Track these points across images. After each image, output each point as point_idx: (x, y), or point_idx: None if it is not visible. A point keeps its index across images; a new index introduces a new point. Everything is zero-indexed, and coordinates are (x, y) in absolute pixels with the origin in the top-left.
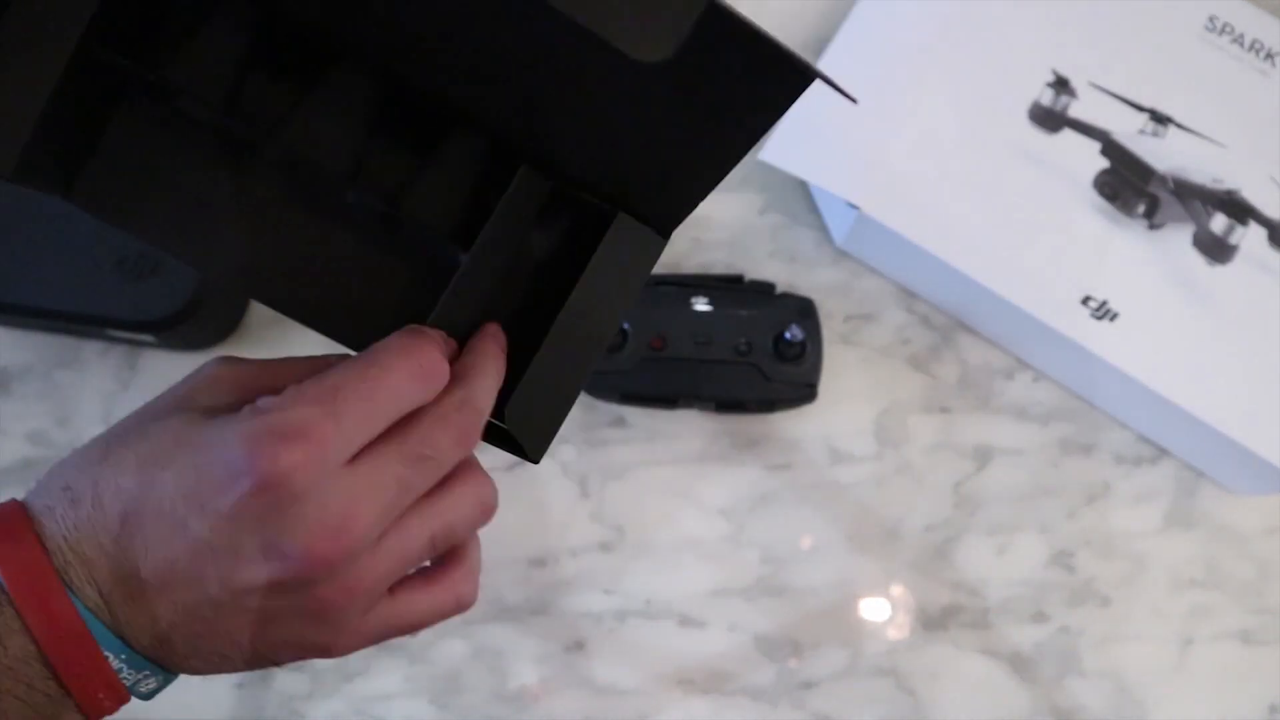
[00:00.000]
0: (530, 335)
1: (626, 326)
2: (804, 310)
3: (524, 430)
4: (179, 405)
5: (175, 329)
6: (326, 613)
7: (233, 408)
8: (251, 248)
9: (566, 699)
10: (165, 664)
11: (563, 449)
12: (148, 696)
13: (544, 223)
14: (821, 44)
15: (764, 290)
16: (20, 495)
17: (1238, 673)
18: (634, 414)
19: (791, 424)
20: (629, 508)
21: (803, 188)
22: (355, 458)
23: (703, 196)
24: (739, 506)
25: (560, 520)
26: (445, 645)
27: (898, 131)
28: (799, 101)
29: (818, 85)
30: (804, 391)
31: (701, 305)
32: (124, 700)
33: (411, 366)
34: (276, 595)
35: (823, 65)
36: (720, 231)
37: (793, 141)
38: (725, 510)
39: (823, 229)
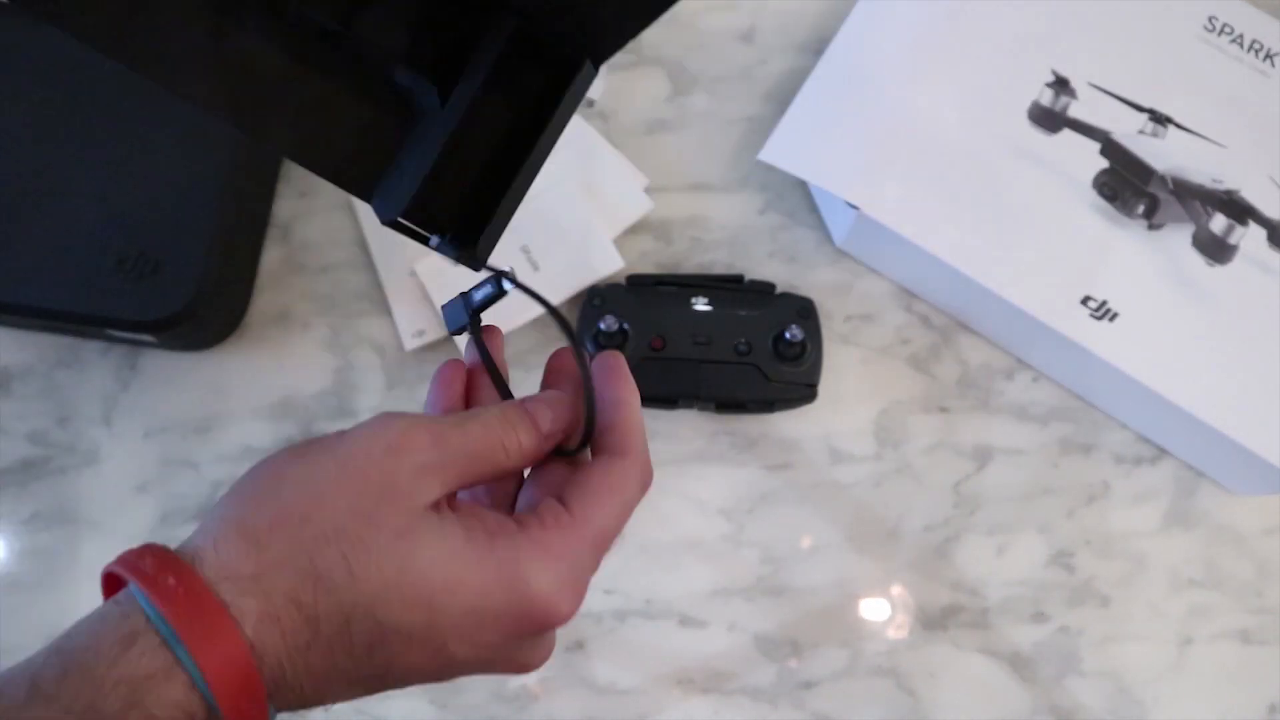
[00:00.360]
0: (493, 173)
1: (626, 326)
2: (804, 310)
3: (484, 253)
4: (398, 500)
5: (175, 329)
6: (550, 647)
7: (447, 499)
8: (213, 70)
9: (566, 699)
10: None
11: None
12: None
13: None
14: (821, 44)
15: (764, 290)
16: (21, 499)
17: (1237, 672)
18: None
19: (791, 424)
20: None
21: (803, 188)
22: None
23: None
24: (739, 506)
25: None
26: None
27: (898, 131)
28: (799, 102)
29: (819, 85)
30: (804, 391)
31: (701, 305)
32: None
33: (646, 489)
34: (522, 650)
35: (823, 65)
36: (720, 231)
37: (793, 141)
38: (725, 510)
39: (823, 229)
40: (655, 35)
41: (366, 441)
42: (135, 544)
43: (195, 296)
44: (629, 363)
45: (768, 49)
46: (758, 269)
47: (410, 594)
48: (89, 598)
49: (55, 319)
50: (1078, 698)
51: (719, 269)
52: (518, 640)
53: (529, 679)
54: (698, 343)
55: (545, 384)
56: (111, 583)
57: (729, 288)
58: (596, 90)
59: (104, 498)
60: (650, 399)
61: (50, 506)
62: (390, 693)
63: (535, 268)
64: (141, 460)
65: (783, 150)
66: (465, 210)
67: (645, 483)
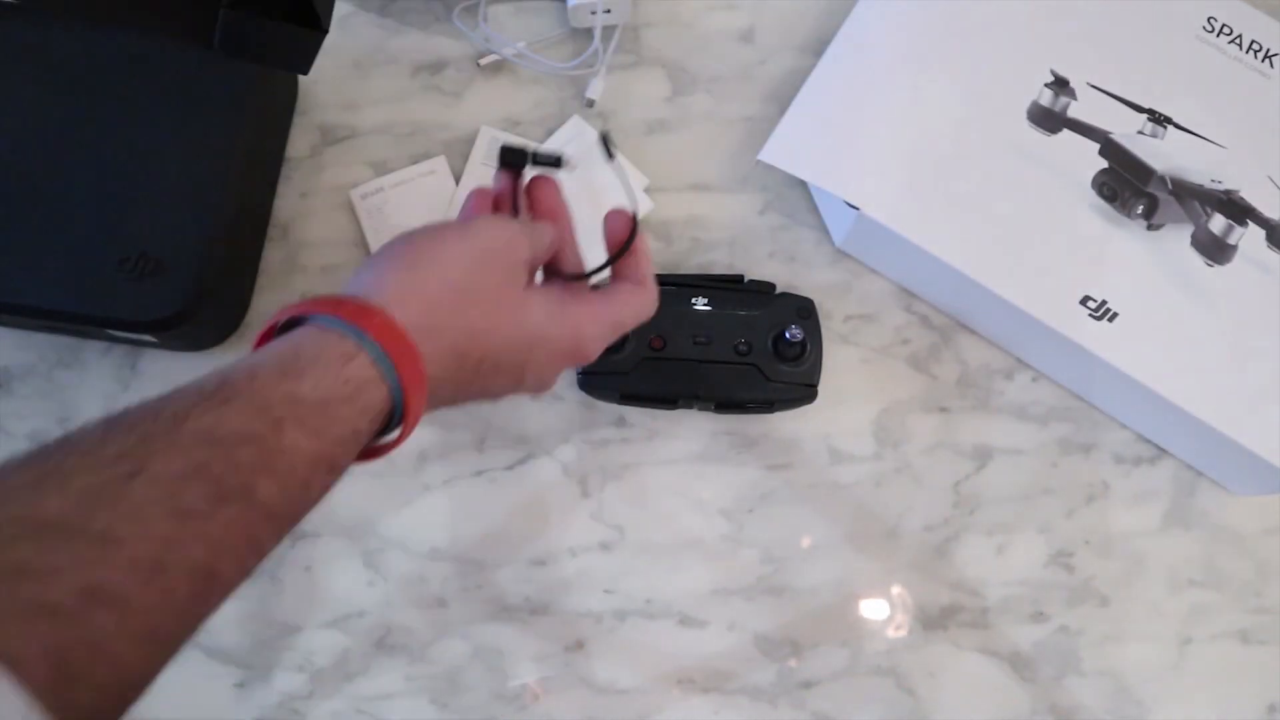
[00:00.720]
0: None
1: None
2: (804, 310)
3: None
4: (519, 278)
5: (176, 329)
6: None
7: (531, 277)
8: None
9: (566, 699)
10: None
11: (563, 449)
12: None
13: None
14: (821, 44)
15: (764, 290)
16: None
17: (1236, 672)
18: (634, 414)
19: (791, 424)
20: (629, 508)
21: (803, 188)
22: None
23: None
24: (739, 506)
25: (560, 520)
26: (445, 645)
27: (898, 132)
28: (799, 102)
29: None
30: (804, 392)
31: (701, 305)
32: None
33: (646, 313)
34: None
35: (823, 65)
36: (720, 231)
37: (793, 142)
38: (725, 510)
39: (823, 229)
40: (655, 35)
41: (493, 235)
42: None
43: (196, 297)
44: (630, 363)
45: (768, 49)
46: (758, 269)
47: (522, 342)
48: None
49: (56, 319)
50: (1077, 697)
51: (719, 269)
52: (559, 369)
53: (529, 679)
54: (698, 342)
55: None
56: (279, 329)
57: (729, 288)
58: (596, 90)
59: None
60: (650, 399)
61: None
62: (392, 693)
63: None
64: None
65: (783, 150)
66: None
67: (651, 306)
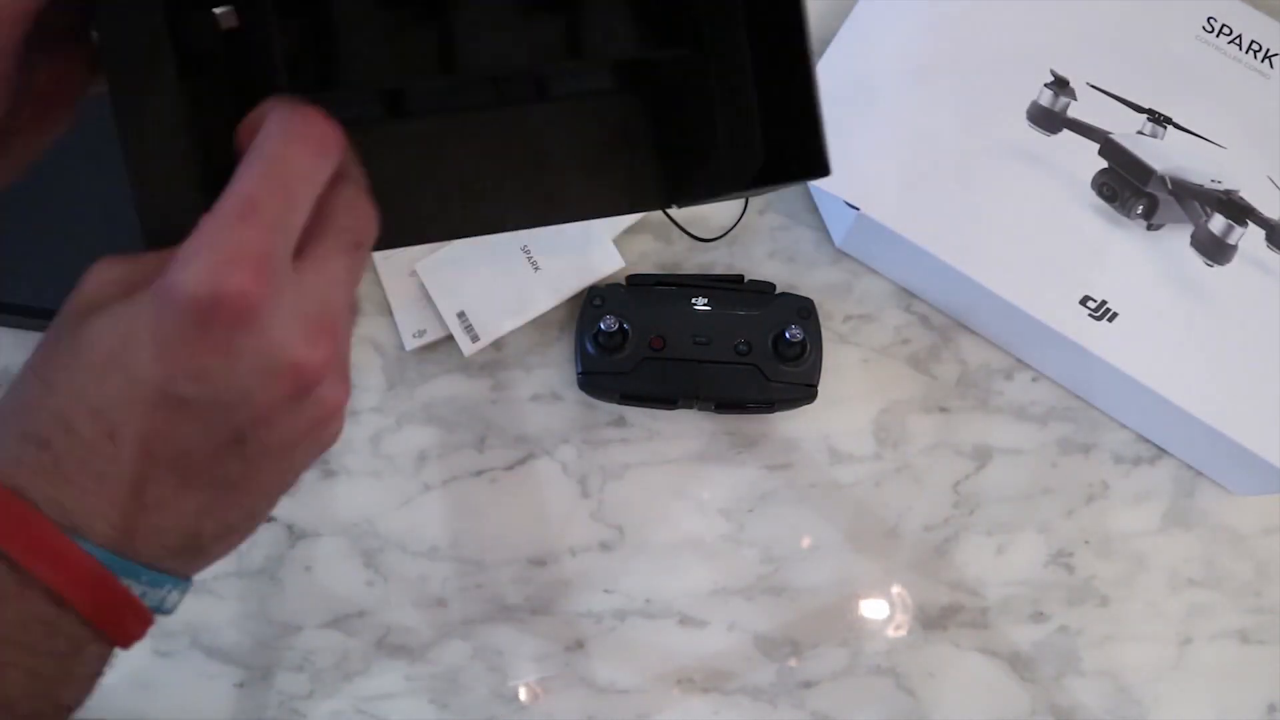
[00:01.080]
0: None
1: (626, 326)
2: (804, 310)
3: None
4: (84, 311)
5: None
6: (334, 409)
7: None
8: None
9: (566, 699)
10: (186, 567)
11: (563, 449)
12: (171, 610)
13: None
14: (821, 44)
15: (764, 290)
16: None
17: (1236, 672)
18: (634, 414)
19: (791, 424)
20: (629, 508)
21: (803, 188)
22: (299, 256)
23: None
24: (739, 506)
25: (560, 520)
26: (445, 645)
27: (898, 132)
28: None
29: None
30: (804, 392)
31: (701, 305)
32: (151, 623)
33: (310, 145)
34: (295, 414)
35: (823, 65)
36: (720, 232)
37: None
38: (725, 510)
39: (823, 229)
40: None
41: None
42: None
43: None
44: (630, 363)
45: None
46: (758, 269)
47: (103, 365)
48: None
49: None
50: (1077, 697)
51: (719, 269)
52: (241, 351)
53: (529, 679)
54: (698, 343)
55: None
56: None
57: (729, 288)
58: None
59: None
60: (650, 399)
61: None
62: (392, 693)
63: (535, 268)
64: None
65: None
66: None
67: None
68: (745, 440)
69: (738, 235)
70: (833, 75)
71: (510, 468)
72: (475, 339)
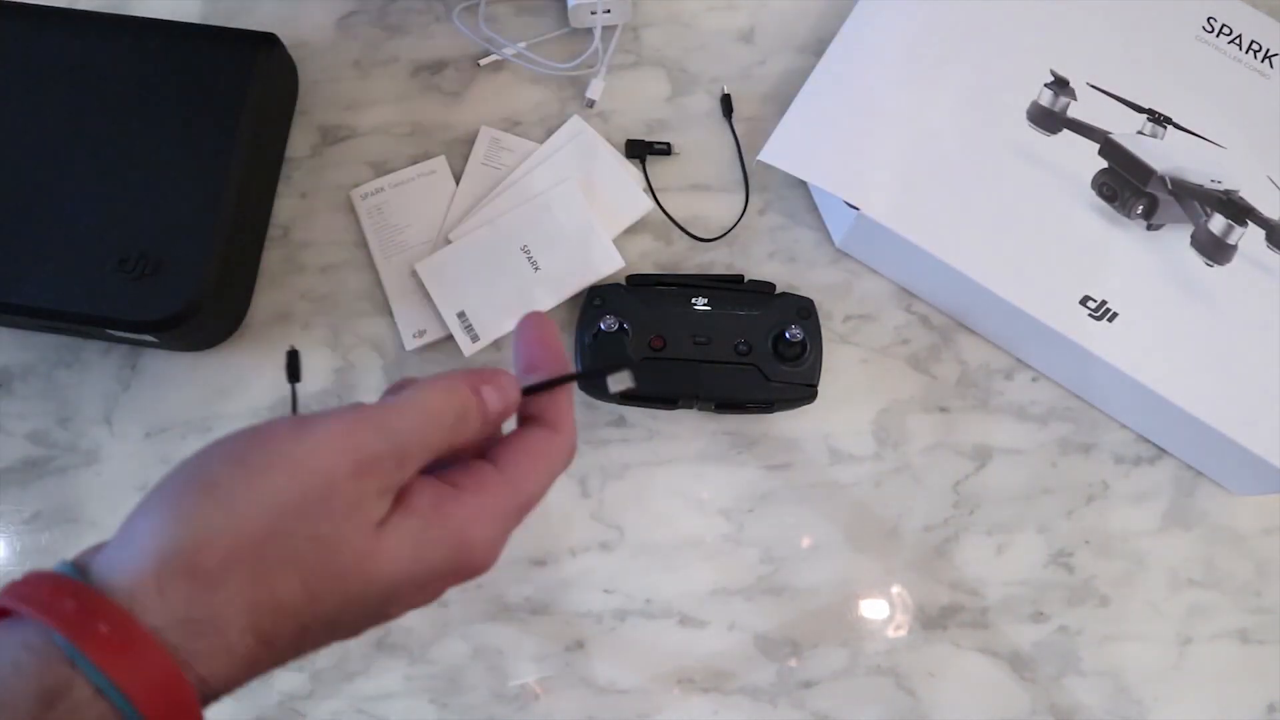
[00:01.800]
0: None
1: (626, 326)
2: (804, 310)
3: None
4: (362, 521)
5: (177, 329)
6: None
7: (394, 497)
8: None
9: (566, 699)
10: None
11: None
12: None
13: None
14: (821, 44)
15: (764, 290)
16: (21, 499)
17: (1236, 672)
18: (634, 414)
19: (791, 424)
20: (629, 508)
21: (803, 188)
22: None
23: None
24: (739, 506)
25: (560, 520)
26: (445, 645)
27: (898, 132)
28: (799, 102)
29: (819, 85)
30: (804, 391)
31: (701, 305)
32: None
33: (561, 468)
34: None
35: (823, 65)
36: (720, 232)
37: (792, 142)
38: (725, 510)
39: (823, 229)
40: (655, 35)
41: (329, 457)
42: None
43: (197, 296)
44: (629, 362)
45: (768, 49)
46: (758, 269)
47: (371, 597)
48: None
49: (57, 319)
50: (1077, 697)
51: (719, 269)
52: (440, 592)
53: (530, 678)
54: (698, 342)
55: (519, 353)
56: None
57: (729, 288)
58: (596, 90)
59: (105, 498)
60: (650, 399)
61: (51, 506)
62: (392, 693)
63: (535, 267)
64: (142, 460)
65: (782, 150)
66: None
67: (570, 457)
68: (745, 440)
69: (737, 235)
70: (833, 75)
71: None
72: (475, 339)
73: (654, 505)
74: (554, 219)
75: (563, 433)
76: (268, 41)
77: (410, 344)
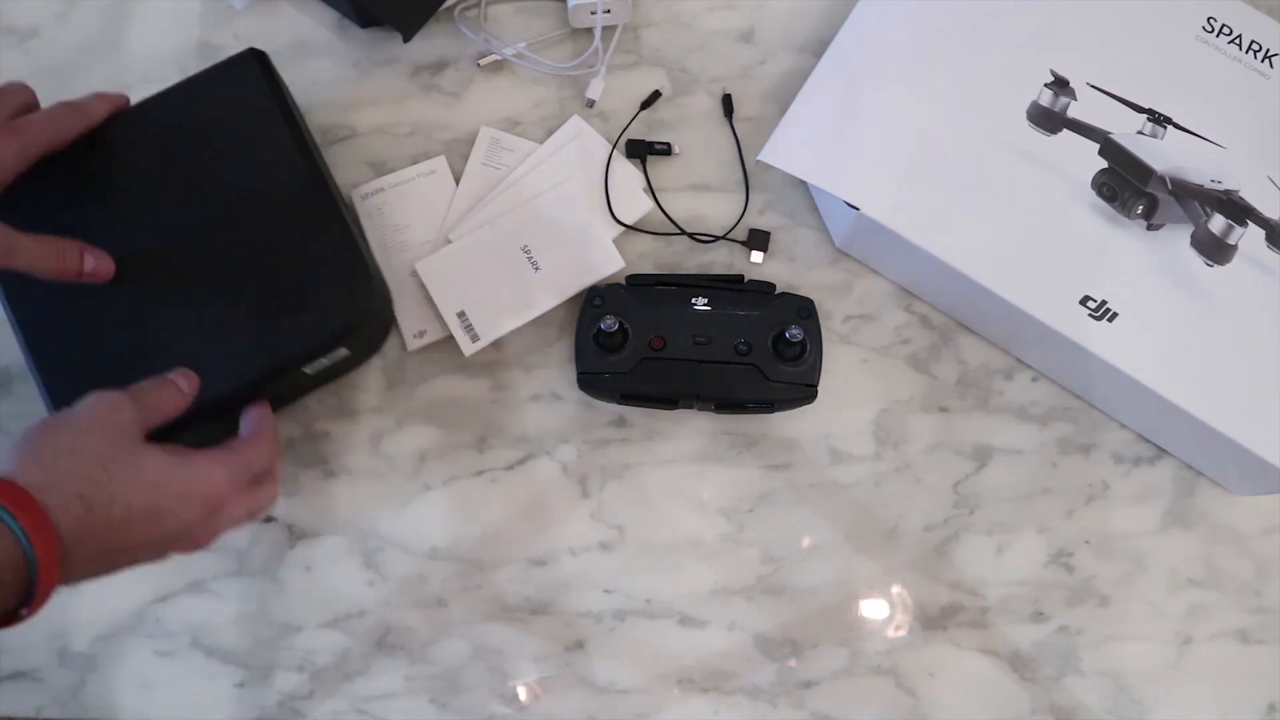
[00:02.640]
0: None
1: (626, 326)
2: (804, 310)
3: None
4: (128, 436)
5: (360, 329)
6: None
7: (143, 436)
8: None
9: (566, 699)
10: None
11: (563, 449)
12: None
13: None
14: (821, 44)
15: (764, 290)
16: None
17: (1236, 672)
18: (634, 414)
19: (791, 424)
20: (629, 508)
21: (803, 188)
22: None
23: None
24: (739, 506)
25: (560, 520)
26: (445, 645)
27: (897, 132)
28: (799, 102)
29: (819, 86)
30: (804, 392)
31: (701, 305)
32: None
33: (271, 457)
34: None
35: (823, 65)
36: (720, 231)
37: (793, 142)
38: (725, 510)
39: (823, 229)
40: (655, 35)
41: (93, 405)
42: None
43: (366, 297)
44: (630, 363)
45: (768, 49)
46: (757, 269)
47: (145, 486)
48: (88, 597)
49: (269, 381)
50: (1077, 697)
51: (718, 269)
52: (199, 514)
53: (530, 678)
54: (698, 342)
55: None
56: None
57: (729, 288)
58: (596, 90)
59: None
60: (650, 399)
61: None
62: (392, 693)
63: (536, 268)
64: None
65: (782, 150)
66: None
67: (275, 453)
68: (745, 440)
69: (737, 235)
70: (833, 75)
71: (510, 468)
72: (475, 339)
73: (654, 505)
74: (554, 219)
75: (264, 435)
76: (257, 57)
77: (411, 344)
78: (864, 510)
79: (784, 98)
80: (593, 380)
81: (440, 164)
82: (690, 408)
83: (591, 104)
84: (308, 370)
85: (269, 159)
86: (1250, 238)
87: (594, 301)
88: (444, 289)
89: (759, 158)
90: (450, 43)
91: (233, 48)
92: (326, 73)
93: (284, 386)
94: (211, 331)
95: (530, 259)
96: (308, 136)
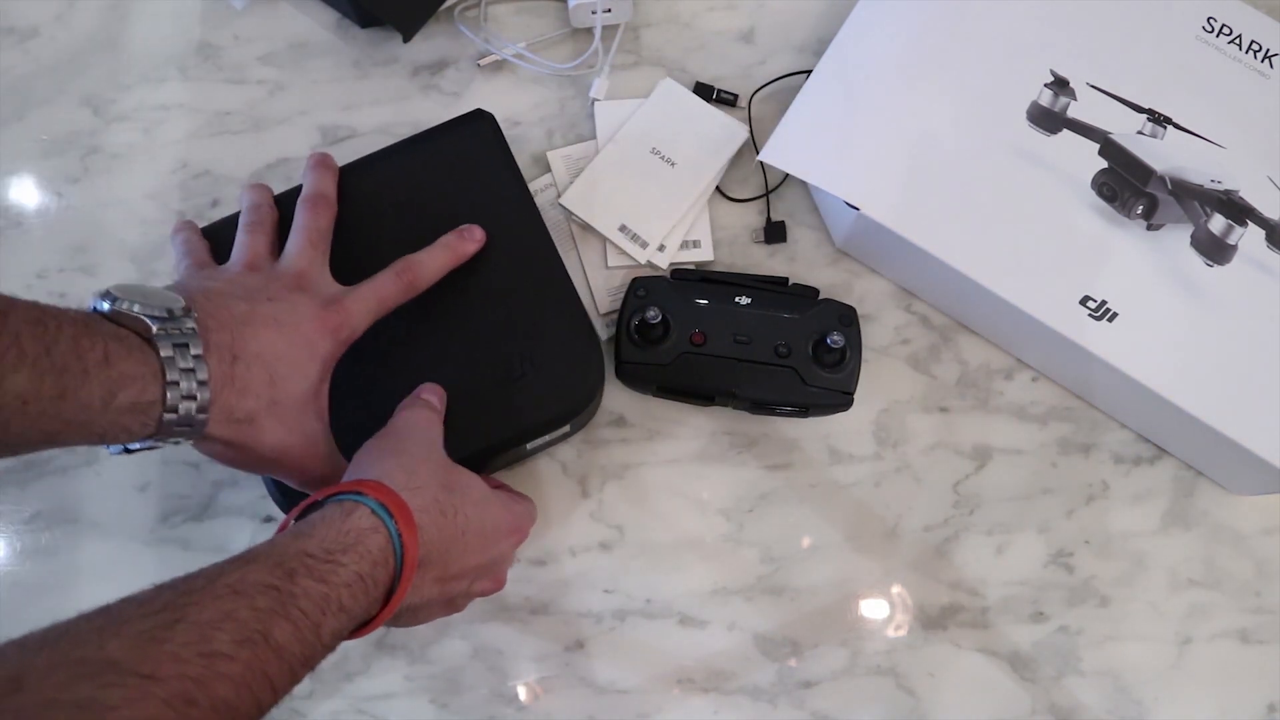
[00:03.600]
0: None
1: (668, 319)
2: (845, 318)
3: None
4: (437, 441)
5: (594, 396)
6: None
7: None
8: None
9: (566, 699)
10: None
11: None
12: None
13: None
14: (821, 44)
15: (807, 295)
16: (22, 499)
17: (1236, 672)
18: (634, 414)
19: (791, 424)
20: (629, 508)
21: (803, 188)
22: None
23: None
24: (739, 506)
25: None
26: (445, 645)
27: (897, 132)
28: (799, 102)
29: (819, 86)
30: (840, 399)
31: (744, 304)
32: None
33: (529, 523)
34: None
35: (823, 65)
36: (721, 232)
37: (793, 142)
38: (725, 510)
39: (823, 229)
40: (655, 35)
41: (419, 423)
42: (136, 543)
43: (597, 377)
44: (669, 356)
45: (768, 49)
46: (759, 269)
47: (474, 503)
48: (90, 596)
49: (497, 452)
50: (1077, 697)
51: (719, 269)
52: (510, 551)
53: (530, 678)
54: (738, 341)
55: None
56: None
57: (772, 289)
58: (600, 90)
59: (105, 497)
60: (687, 393)
61: (51, 506)
62: (392, 693)
63: (671, 163)
64: (142, 460)
65: (783, 150)
66: None
67: (531, 520)
68: (745, 440)
69: (739, 235)
70: (833, 75)
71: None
72: (644, 245)
73: (654, 505)
74: (667, 115)
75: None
76: (483, 117)
77: None
78: (864, 510)
79: (784, 98)
80: (632, 370)
81: None
82: (725, 405)
83: (594, 104)
84: (529, 446)
85: (505, 222)
86: (1250, 238)
87: (638, 292)
88: (595, 210)
89: (759, 158)
90: (450, 43)
91: (232, 48)
92: (326, 73)
93: (498, 458)
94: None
95: (663, 158)
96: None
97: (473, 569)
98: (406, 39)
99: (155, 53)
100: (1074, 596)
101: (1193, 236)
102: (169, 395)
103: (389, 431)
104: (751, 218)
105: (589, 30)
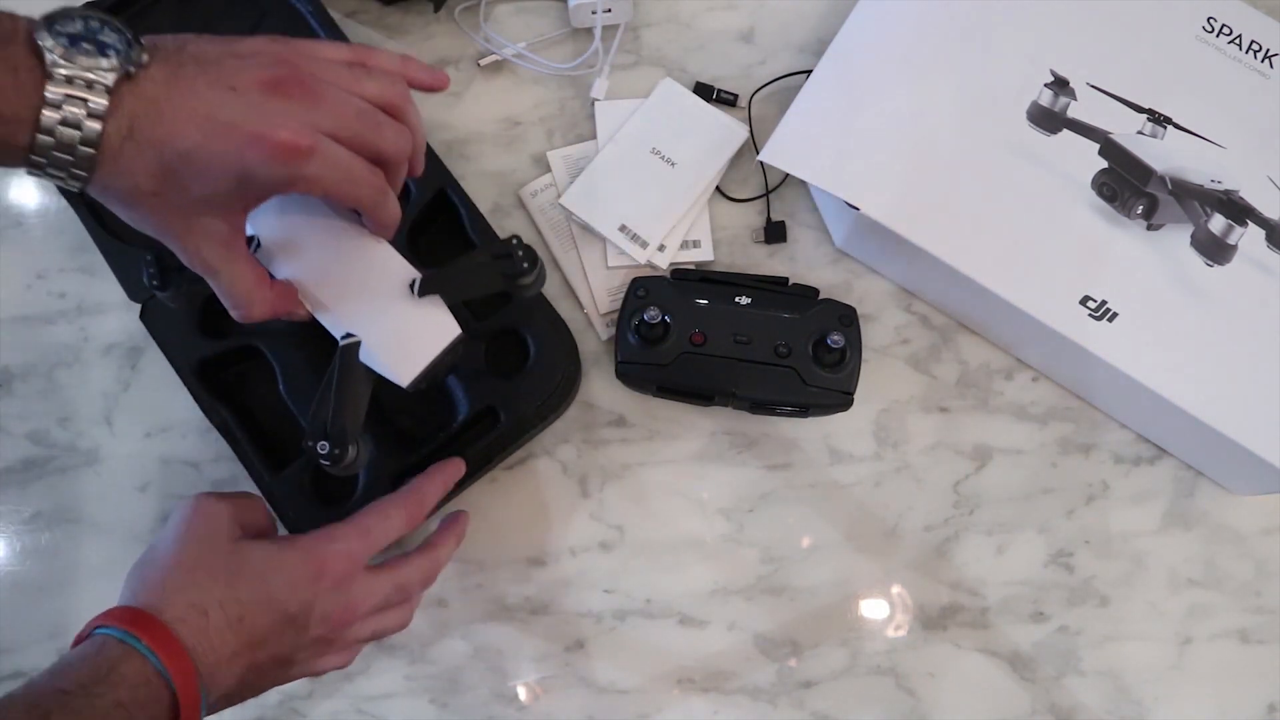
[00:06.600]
0: None
1: (669, 319)
2: (845, 318)
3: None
4: (225, 536)
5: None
6: (330, 648)
7: (248, 535)
8: None
9: (566, 699)
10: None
11: (562, 449)
12: None
13: None
14: (822, 44)
15: (807, 295)
16: (22, 499)
17: (1236, 672)
18: (634, 414)
19: (791, 424)
20: (629, 508)
21: (803, 188)
22: (368, 569)
23: None
24: (739, 506)
25: (560, 520)
26: (445, 645)
27: (897, 132)
28: (799, 102)
29: (819, 86)
30: (840, 399)
31: (744, 304)
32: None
33: (410, 518)
34: (312, 645)
35: (823, 65)
36: (721, 232)
37: (793, 142)
38: (725, 510)
39: (823, 229)
40: (655, 35)
41: (189, 518)
42: (136, 543)
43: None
44: (669, 356)
45: (768, 49)
46: (758, 269)
47: (248, 578)
48: (90, 596)
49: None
50: (1077, 697)
51: (719, 269)
52: (315, 592)
53: (530, 678)
54: (738, 341)
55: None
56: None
57: (772, 289)
58: (600, 90)
59: (105, 497)
60: (687, 393)
61: (51, 506)
62: (392, 693)
63: (671, 163)
64: (142, 460)
65: (783, 150)
66: None
67: (410, 521)
68: (745, 440)
69: (739, 235)
70: (833, 75)
71: (510, 468)
72: (644, 245)
73: (654, 505)
74: (667, 115)
75: (404, 504)
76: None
77: None
78: (864, 510)
79: (784, 98)
80: (632, 370)
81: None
82: (725, 405)
83: (594, 103)
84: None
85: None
86: (1250, 238)
87: (638, 292)
88: (595, 210)
89: (759, 158)
90: (450, 43)
91: None
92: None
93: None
94: None
95: (663, 158)
96: None
97: (278, 643)
98: (437, 9)
99: None
100: (1074, 596)
101: (1193, 236)
102: (44, 116)
103: (152, 544)
104: (751, 218)
105: (589, 30)
